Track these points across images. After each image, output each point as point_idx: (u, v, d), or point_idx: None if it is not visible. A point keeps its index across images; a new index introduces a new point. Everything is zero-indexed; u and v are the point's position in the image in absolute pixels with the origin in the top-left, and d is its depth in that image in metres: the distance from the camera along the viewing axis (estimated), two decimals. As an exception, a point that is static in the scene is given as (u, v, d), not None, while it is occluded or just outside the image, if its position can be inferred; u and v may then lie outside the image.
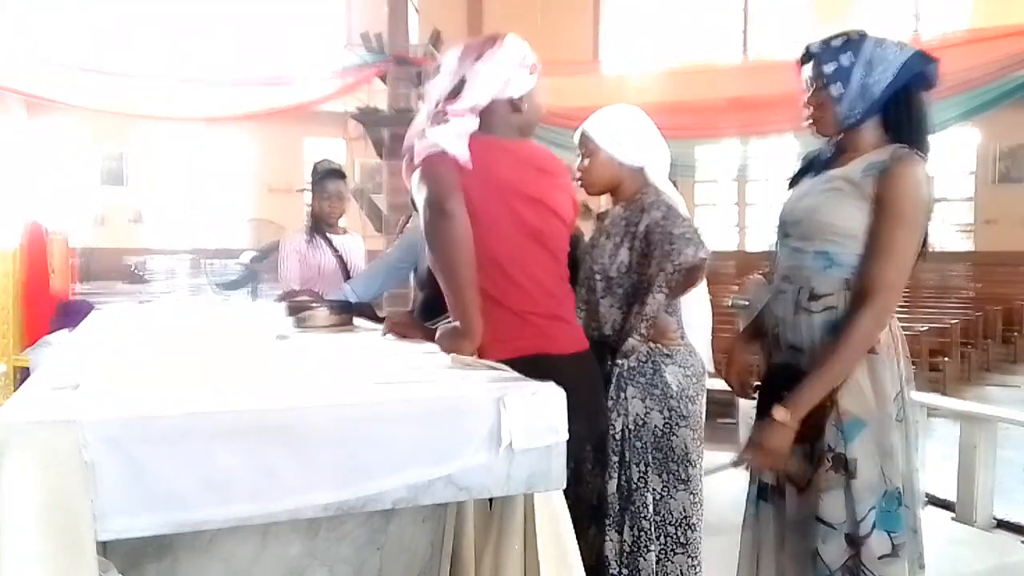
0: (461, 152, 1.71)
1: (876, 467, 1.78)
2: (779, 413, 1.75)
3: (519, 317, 1.79)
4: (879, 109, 1.85)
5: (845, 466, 1.80)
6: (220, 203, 19.48)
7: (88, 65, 11.56)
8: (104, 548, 1.06)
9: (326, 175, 3.52)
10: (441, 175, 1.69)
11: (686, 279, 2.19)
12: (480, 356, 1.66)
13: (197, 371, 1.41)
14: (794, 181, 1.99)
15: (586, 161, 2.38)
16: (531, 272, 1.82)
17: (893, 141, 1.83)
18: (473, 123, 1.77)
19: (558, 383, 1.65)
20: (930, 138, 1.84)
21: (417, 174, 1.73)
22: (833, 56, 1.84)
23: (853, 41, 1.85)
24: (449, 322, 1.75)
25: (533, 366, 1.57)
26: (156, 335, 2.07)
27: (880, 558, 1.78)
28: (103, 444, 1.00)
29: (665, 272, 2.15)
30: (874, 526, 1.78)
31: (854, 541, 1.80)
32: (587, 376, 1.91)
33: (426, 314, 2.33)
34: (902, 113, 1.85)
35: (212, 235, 17.48)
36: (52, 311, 3.85)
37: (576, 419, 1.66)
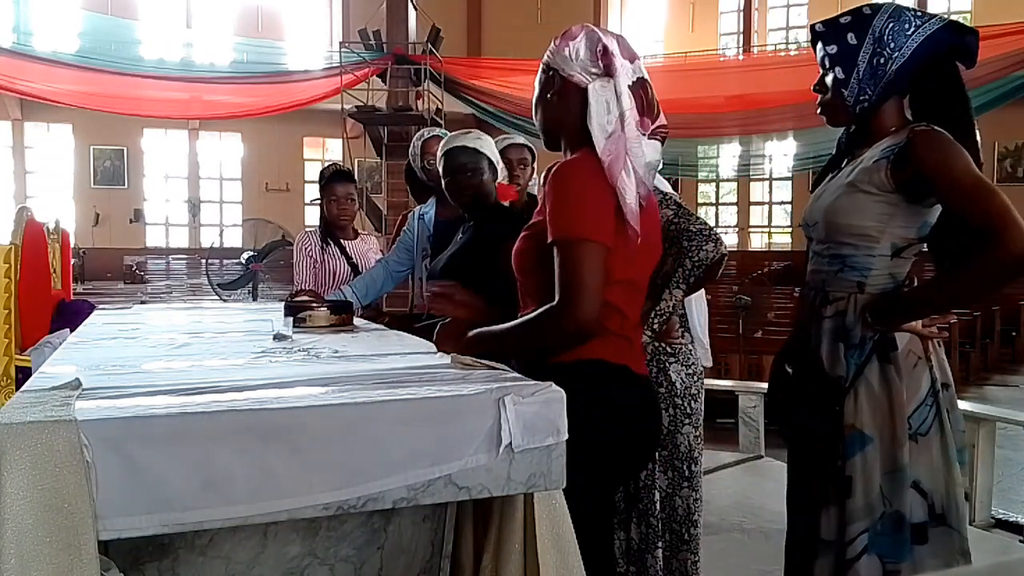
0: None
1: (875, 487, 1.61)
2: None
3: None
4: (899, 90, 1.64)
5: (841, 482, 1.64)
6: (218, 203, 19.49)
7: (85, 64, 11.54)
8: (107, 548, 1.06)
9: (333, 177, 3.43)
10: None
11: (705, 276, 2.14)
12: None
13: (196, 371, 1.41)
14: (818, 180, 1.84)
15: None
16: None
17: (921, 122, 1.62)
18: None
19: (633, 399, 1.58)
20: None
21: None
22: (838, 35, 1.63)
23: (863, 16, 1.62)
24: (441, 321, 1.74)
25: (614, 374, 1.53)
26: (156, 335, 2.07)
27: None
28: (103, 444, 1.00)
29: (684, 269, 2.09)
30: (864, 550, 1.61)
31: (841, 564, 1.64)
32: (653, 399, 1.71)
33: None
34: (932, 91, 1.62)
35: (210, 235, 17.49)
36: (52, 311, 3.85)
37: (637, 442, 1.60)
